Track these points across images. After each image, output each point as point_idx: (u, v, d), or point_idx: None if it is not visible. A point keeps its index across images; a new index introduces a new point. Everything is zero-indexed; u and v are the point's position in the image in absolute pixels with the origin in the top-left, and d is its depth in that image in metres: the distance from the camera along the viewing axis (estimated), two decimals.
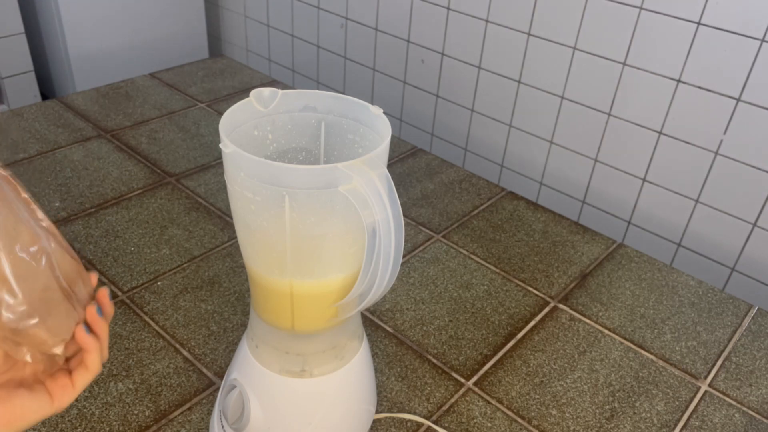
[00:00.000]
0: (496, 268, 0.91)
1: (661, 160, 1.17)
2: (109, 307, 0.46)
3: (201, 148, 1.12)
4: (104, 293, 0.46)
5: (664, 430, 0.70)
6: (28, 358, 0.41)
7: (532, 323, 0.82)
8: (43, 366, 0.43)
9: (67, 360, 0.45)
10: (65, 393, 0.43)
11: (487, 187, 1.08)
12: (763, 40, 1.00)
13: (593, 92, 1.21)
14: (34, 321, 0.40)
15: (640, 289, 0.89)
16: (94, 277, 0.46)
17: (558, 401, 0.72)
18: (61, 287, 0.42)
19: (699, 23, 1.05)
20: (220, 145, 0.48)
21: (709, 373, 0.77)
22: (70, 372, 0.44)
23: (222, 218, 0.95)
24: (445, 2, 1.35)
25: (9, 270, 0.38)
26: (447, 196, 1.05)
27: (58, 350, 0.42)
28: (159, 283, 0.83)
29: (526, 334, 0.80)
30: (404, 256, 0.91)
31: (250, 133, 0.54)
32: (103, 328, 0.45)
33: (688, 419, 0.72)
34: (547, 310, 0.84)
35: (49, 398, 0.43)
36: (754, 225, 1.10)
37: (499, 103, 1.36)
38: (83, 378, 0.44)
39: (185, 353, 0.74)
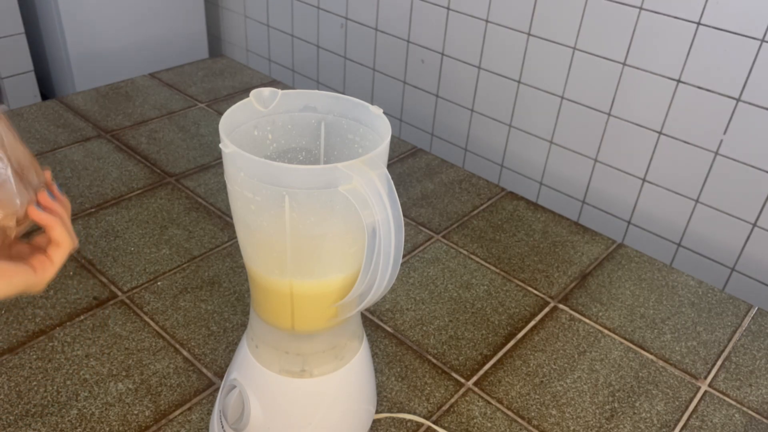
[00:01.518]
0: (496, 268, 0.91)
1: (661, 160, 1.17)
2: (62, 197, 0.50)
3: (201, 148, 1.12)
4: (54, 187, 0.50)
5: (664, 430, 0.70)
6: None
7: (532, 323, 0.82)
8: None
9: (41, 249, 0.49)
10: (45, 266, 0.48)
11: (487, 187, 1.08)
12: (762, 40, 1.00)
13: (593, 92, 1.21)
14: None
15: (640, 289, 0.89)
16: (48, 172, 0.50)
17: (558, 401, 0.72)
18: (11, 165, 0.45)
19: (699, 23, 1.05)
20: (220, 145, 0.48)
21: (709, 373, 0.77)
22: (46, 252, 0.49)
23: (222, 218, 0.95)
24: (445, 2, 1.35)
25: None
26: (447, 196, 1.05)
27: (10, 222, 0.45)
28: (159, 283, 0.83)
29: (526, 334, 0.80)
30: (404, 256, 0.91)
31: (250, 133, 0.54)
32: (58, 208, 0.49)
33: (688, 419, 0.72)
34: (547, 310, 0.84)
35: (32, 269, 0.47)
36: (754, 225, 1.10)
37: (499, 103, 1.36)
38: (57, 252, 0.48)
39: (185, 353, 0.74)
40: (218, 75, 1.37)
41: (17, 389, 0.69)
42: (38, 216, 0.47)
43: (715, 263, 1.17)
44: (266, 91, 0.53)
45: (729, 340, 0.82)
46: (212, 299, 0.82)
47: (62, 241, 0.48)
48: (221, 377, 0.72)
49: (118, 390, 0.69)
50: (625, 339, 0.81)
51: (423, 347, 0.78)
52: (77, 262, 0.85)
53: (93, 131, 1.14)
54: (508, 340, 0.79)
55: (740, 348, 0.81)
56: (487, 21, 1.31)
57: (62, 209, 0.49)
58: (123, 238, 0.90)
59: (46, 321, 0.77)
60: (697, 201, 1.15)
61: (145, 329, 0.77)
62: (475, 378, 0.74)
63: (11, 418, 0.66)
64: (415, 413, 0.70)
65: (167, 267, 0.86)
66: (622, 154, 1.22)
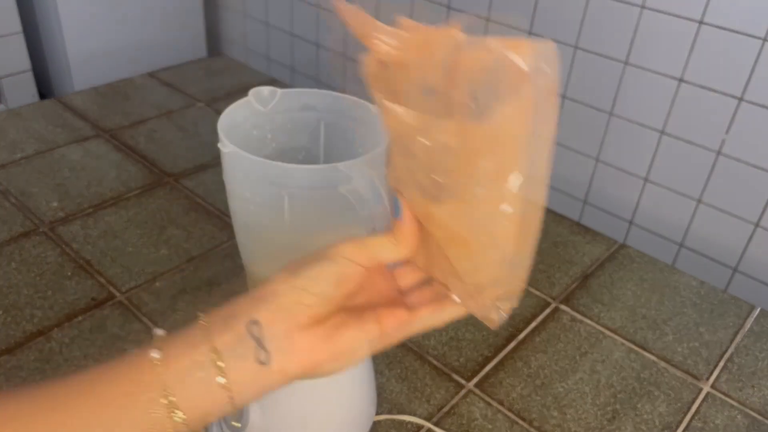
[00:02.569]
0: None
1: (663, 160, 1.17)
2: None
3: (200, 147, 1.11)
4: None
5: (666, 431, 0.70)
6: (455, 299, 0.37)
7: (533, 324, 0.82)
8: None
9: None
10: (400, 326, 0.39)
11: None
12: (765, 39, 0.99)
13: (594, 91, 1.21)
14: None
15: (641, 290, 0.88)
16: None
17: (559, 403, 0.72)
18: None
19: (701, 22, 1.04)
20: (219, 145, 0.47)
21: (711, 374, 0.77)
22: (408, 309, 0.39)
23: (221, 218, 0.95)
24: (445, 2, 1.35)
25: None
26: None
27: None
28: (157, 284, 0.83)
29: (527, 335, 0.80)
30: None
31: (249, 132, 0.53)
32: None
33: (690, 420, 0.71)
34: (548, 311, 0.84)
35: (378, 329, 0.38)
36: (757, 225, 1.10)
37: None
38: (431, 317, 0.39)
39: None
40: (217, 74, 1.36)
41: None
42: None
43: (718, 264, 1.17)
44: (265, 90, 0.53)
45: (731, 341, 0.81)
46: (211, 300, 0.81)
47: (450, 310, 0.39)
48: None
49: None
50: (626, 340, 0.81)
51: (423, 348, 0.77)
52: (75, 262, 0.85)
53: (91, 131, 1.13)
54: (509, 341, 0.79)
55: (742, 349, 0.81)
56: (487, 21, 1.30)
57: None
58: (121, 238, 0.90)
59: (44, 322, 0.76)
60: (699, 201, 1.15)
61: (144, 330, 0.76)
62: (476, 379, 0.74)
63: None
64: (415, 415, 0.69)
65: (166, 267, 0.85)
66: (623, 154, 1.22)
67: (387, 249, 0.38)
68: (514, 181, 0.33)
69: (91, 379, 0.33)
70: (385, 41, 0.32)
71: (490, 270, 0.36)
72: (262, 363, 0.33)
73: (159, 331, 0.35)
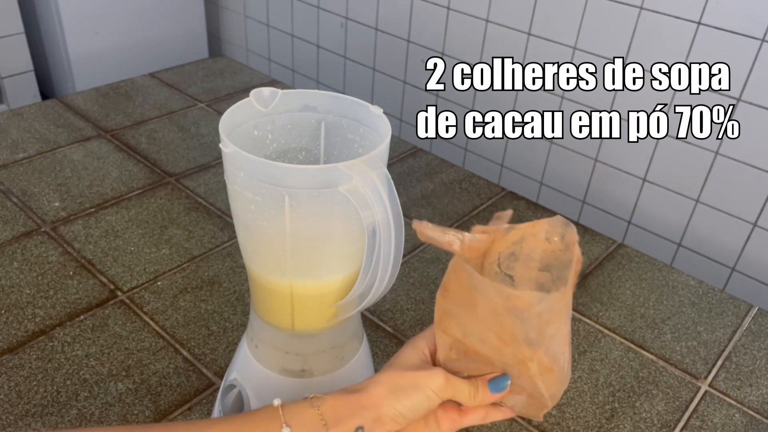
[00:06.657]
0: None
1: (662, 160, 1.17)
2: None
3: (201, 147, 1.12)
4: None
5: (665, 430, 0.70)
6: None
7: None
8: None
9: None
10: (453, 425, 0.51)
11: (487, 187, 1.08)
12: (763, 40, 1.00)
13: (593, 92, 1.21)
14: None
15: (640, 289, 0.89)
16: None
17: (558, 401, 0.72)
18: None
19: (699, 23, 1.05)
20: (220, 145, 0.48)
21: (709, 373, 0.77)
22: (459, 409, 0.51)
23: (222, 218, 0.95)
24: (445, 2, 1.35)
25: None
26: (447, 196, 1.05)
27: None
28: (159, 283, 0.83)
29: None
30: (404, 256, 0.91)
31: (249, 133, 0.54)
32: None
33: (689, 419, 0.72)
34: None
35: (437, 429, 0.50)
36: (755, 225, 1.10)
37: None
38: (479, 419, 0.51)
39: (185, 353, 0.74)
40: (218, 75, 1.37)
41: (17, 389, 0.69)
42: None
43: (716, 263, 1.17)
44: (266, 90, 0.53)
45: (729, 340, 0.82)
46: (212, 299, 0.82)
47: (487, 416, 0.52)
48: (221, 377, 0.71)
49: (118, 390, 0.69)
50: (625, 339, 0.81)
51: None
52: (77, 262, 0.85)
53: (93, 131, 1.14)
54: None
55: (740, 348, 0.81)
56: (487, 21, 1.31)
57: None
58: (123, 238, 0.90)
59: (46, 321, 0.77)
60: (697, 201, 1.15)
61: (145, 329, 0.77)
62: None
63: (11, 418, 0.66)
64: None
65: (167, 267, 0.86)
66: (622, 154, 1.22)
67: (465, 397, 0.49)
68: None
69: (232, 423, 0.46)
70: (459, 242, 0.46)
71: (559, 387, 0.51)
72: None
73: (277, 401, 0.46)
